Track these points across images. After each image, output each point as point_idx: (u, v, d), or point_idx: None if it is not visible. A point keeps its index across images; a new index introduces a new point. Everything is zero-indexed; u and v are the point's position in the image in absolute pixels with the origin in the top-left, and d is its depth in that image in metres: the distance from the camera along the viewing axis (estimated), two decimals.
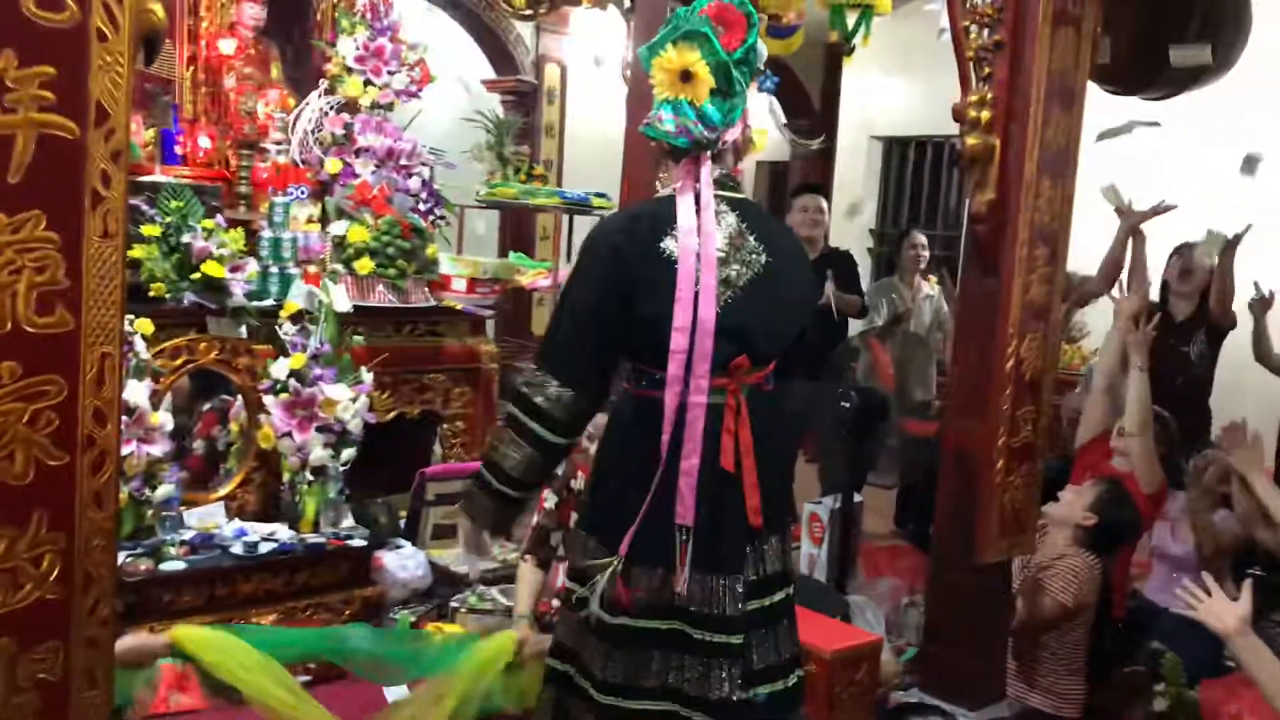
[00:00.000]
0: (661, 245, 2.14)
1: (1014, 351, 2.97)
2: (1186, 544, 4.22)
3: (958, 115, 2.96)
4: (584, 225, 3.87)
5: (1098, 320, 5.74)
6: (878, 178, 9.16)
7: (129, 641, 2.48)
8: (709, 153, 2.16)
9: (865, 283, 6.33)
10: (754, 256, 2.19)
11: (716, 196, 2.17)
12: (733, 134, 2.19)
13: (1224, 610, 2.44)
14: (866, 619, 3.94)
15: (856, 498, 4.82)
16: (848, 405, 4.29)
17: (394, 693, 3.13)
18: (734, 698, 2.17)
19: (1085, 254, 5.87)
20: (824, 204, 5.51)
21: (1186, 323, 4.84)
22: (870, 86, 8.48)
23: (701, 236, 2.12)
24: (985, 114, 2.92)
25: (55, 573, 1.50)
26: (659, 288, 2.12)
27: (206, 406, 3.89)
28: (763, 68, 2.32)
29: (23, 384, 1.45)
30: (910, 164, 9.04)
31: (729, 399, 2.15)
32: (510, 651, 2.74)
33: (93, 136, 1.49)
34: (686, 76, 2.12)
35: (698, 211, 2.14)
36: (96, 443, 1.52)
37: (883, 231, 9.14)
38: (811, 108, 8.83)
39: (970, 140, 2.93)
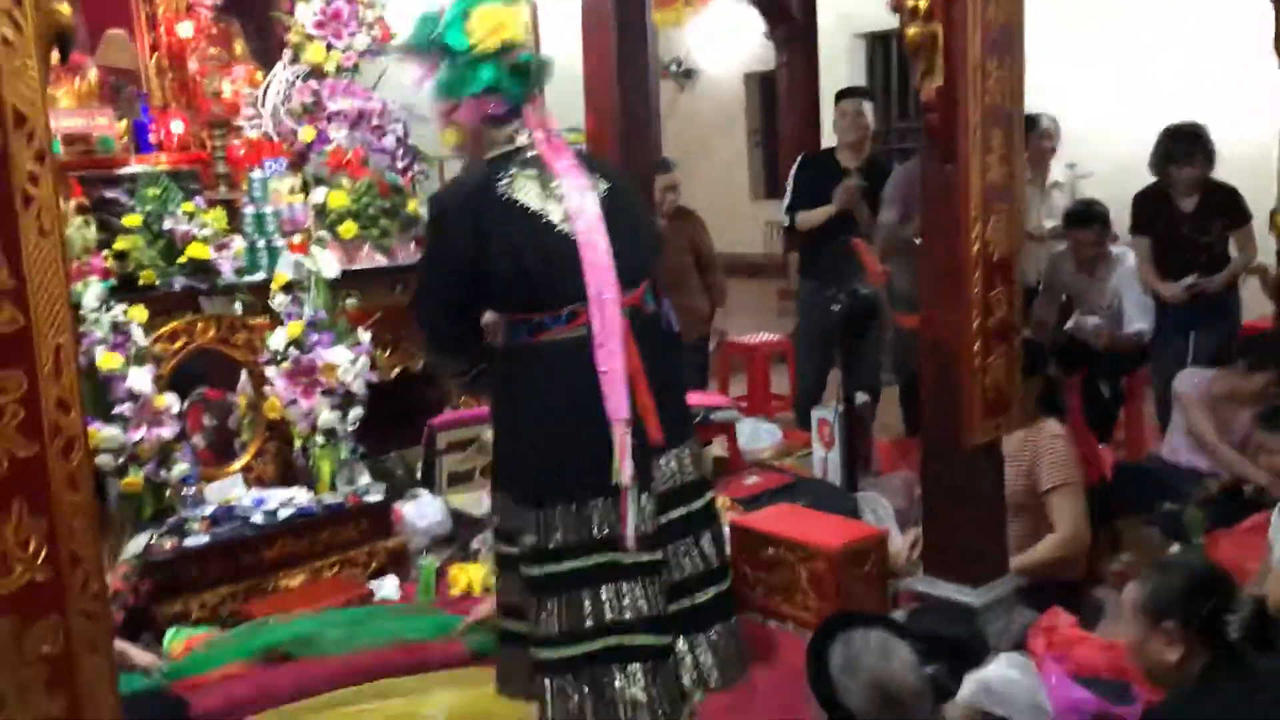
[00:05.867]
0: (500, 192, 2.29)
1: (979, 235, 2.99)
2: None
3: (895, 6, 2.96)
4: None
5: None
6: (864, 76, 9.07)
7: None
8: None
9: None
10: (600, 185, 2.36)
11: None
12: None
13: None
14: (875, 513, 4.03)
15: (862, 397, 4.88)
16: (836, 308, 4.34)
17: None
18: (664, 611, 2.28)
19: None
20: (865, 107, 5.33)
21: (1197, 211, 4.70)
22: None
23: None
24: (923, 1, 2.92)
25: (42, 554, 1.60)
26: (512, 229, 2.26)
27: (188, 404, 3.98)
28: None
29: None
30: (895, 57, 8.94)
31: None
32: None
33: (14, 140, 1.55)
34: None
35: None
36: (63, 430, 1.61)
37: (875, 131, 9.07)
38: (789, 12, 8.74)
39: (911, 30, 2.93)
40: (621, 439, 2.25)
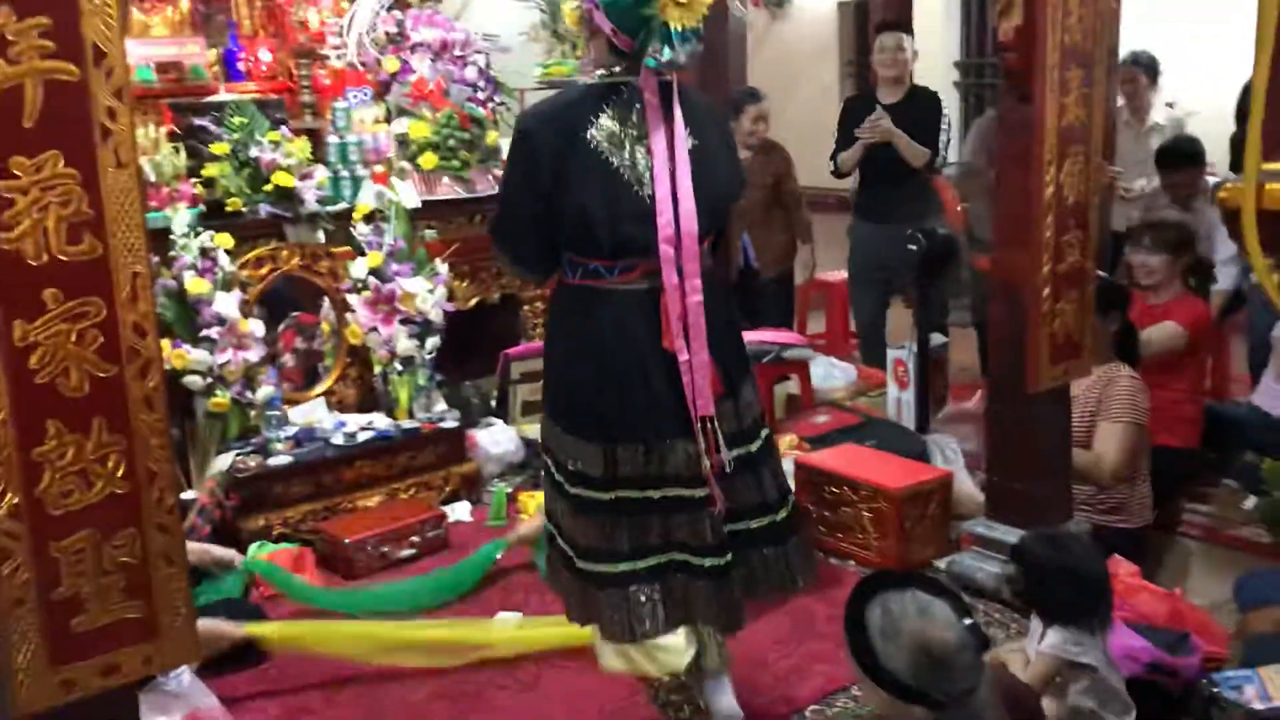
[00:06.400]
0: (587, 135, 2.22)
1: (1053, 178, 2.95)
2: None
3: None
4: None
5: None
6: (959, 8, 8.83)
7: (205, 625, 2.58)
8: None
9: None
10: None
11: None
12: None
13: None
14: (945, 455, 4.03)
15: (939, 339, 4.84)
16: (914, 249, 4.29)
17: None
18: (723, 536, 2.33)
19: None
20: (905, 41, 5.16)
21: None
22: None
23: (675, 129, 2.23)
24: None
25: (121, 470, 1.70)
26: (587, 178, 2.21)
27: (282, 326, 4.13)
28: None
29: (66, 308, 1.63)
30: None
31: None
32: None
33: (94, 76, 1.62)
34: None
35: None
36: (140, 353, 1.70)
37: (967, 64, 8.84)
38: None
39: None
40: (705, 432, 2.27)
